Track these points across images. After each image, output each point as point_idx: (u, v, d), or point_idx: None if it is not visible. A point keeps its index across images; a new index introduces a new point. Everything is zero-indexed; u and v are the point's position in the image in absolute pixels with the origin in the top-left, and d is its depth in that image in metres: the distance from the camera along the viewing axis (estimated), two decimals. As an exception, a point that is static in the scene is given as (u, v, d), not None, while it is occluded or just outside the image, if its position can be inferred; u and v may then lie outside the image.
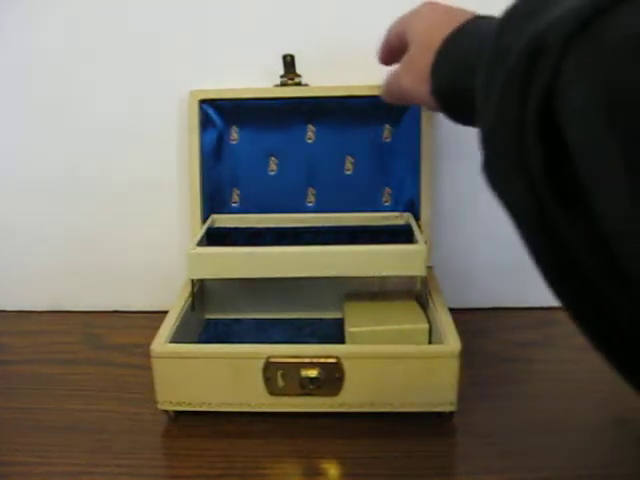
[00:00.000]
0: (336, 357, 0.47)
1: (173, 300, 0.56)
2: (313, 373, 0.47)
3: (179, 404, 0.49)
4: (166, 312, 0.54)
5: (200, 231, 0.58)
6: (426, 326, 0.53)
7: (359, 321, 0.54)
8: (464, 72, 0.37)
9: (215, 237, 0.59)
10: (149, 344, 0.48)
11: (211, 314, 0.64)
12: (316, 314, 0.63)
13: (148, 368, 0.48)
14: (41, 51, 0.62)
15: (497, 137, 0.28)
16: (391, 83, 0.48)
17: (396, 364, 0.47)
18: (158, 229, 0.67)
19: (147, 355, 0.48)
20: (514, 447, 0.46)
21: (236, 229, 0.61)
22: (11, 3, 0.61)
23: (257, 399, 0.48)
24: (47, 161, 0.65)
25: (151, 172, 0.65)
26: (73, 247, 0.68)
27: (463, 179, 0.64)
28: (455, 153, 0.64)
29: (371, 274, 0.53)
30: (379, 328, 0.53)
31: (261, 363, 0.47)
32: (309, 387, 0.47)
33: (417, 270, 0.52)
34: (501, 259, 0.66)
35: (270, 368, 0.47)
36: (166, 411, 0.49)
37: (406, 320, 0.54)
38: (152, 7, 0.61)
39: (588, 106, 0.23)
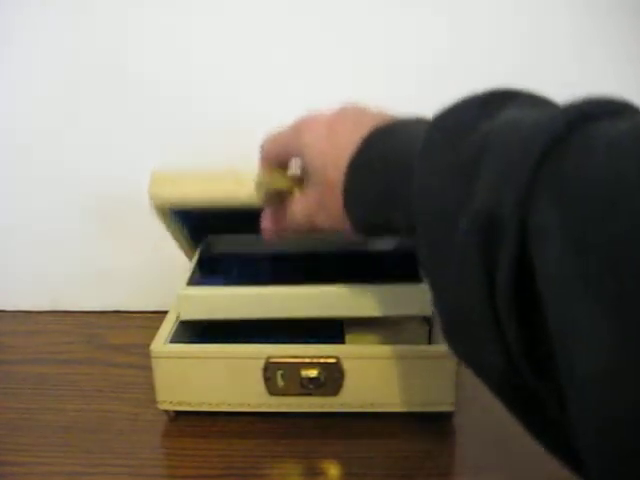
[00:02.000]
0: (336, 357, 0.47)
1: (173, 300, 0.56)
2: (313, 373, 0.47)
3: (179, 404, 0.49)
4: (166, 312, 0.54)
5: (193, 259, 0.57)
6: (426, 326, 0.53)
7: (359, 321, 0.54)
8: (379, 210, 0.34)
9: (208, 264, 0.57)
10: (149, 344, 0.48)
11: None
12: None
13: (148, 368, 0.48)
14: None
15: (462, 305, 0.25)
16: (301, 223, 0.42)
17: (396, 364, 0.47)
18: (157, 229, 0.67)
19: (147, 355, 0.48)
20: (514, 447, 0.46)
21: (229, 256, 0.58)
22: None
23: (257, 399, 0.48)
24: (47, 161, 0.65)
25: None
26: (73, 247, 0.68)
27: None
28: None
29: (377, 315, 0.49)
30: (379, 328, 0.53)
31: (261, 363, 0.47)
32: (309, 387, 0.47)
33: (427, 311, 0.50)
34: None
35: (270, 368, 0.47)
36: (166, 411, 0.49)
37: (406, 320, 0.54)
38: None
39: (561, 264, 0.20)
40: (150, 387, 0.49)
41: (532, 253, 0.21)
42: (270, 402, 0.48)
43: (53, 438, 0.48)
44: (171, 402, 0.49)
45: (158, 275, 0.67)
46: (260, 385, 0.47)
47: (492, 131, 0.25)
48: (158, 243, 0.67)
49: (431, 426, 0.48)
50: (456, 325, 0.26)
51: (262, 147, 0.44)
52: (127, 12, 0.60)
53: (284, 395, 0.48)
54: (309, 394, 0.48)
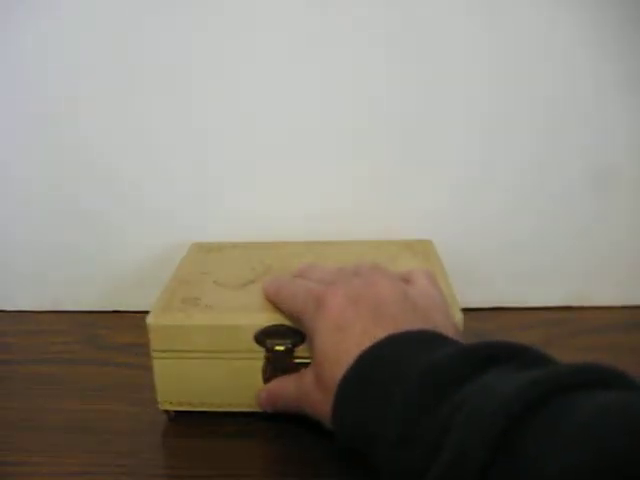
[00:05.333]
0: (336, 357, 0.47)
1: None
2: (313, 373, 0.47)
3: (179, 404, 0.49)
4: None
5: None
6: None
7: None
8: (359, 440, 0.34)
9: None
10: (149, 344, 0.48)
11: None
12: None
13: (148, 368, 0.48)
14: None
15: None
16: (289, 403, 0.44)
17: (396, 364, 0.47)
18: (158, 228, 0.67)
19: (147, 355, 0.48)
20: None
21: None
22: None
23: (257, 399, 0.48)
24: (48, 162, 0.65)
25: (152, 174, 0.65)
26: (73, 247, 0.68)
27: (462, 177, 0.64)
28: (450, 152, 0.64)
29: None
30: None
31: (261, 363, 0.47)
32: (309, 387, 0.47)
33: None
34: (501, 259, 0.66)
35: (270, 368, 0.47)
36: (166, 411, 0.49)
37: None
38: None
39: None
40: (150, 387, 0.49)
41: None
42: (270, 402, 0.48)
43: (53, 438, 0.48)
44: (171, 402, 0.49)
45: (158, 275, 0.67)
46: (260, 385, 0.47)
47: (458, 409, 0.27)
48: (158, 242, 0.67)
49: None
50: None
51: (279, 286, 0.46)
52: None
53: (284, 395, 0.48)
54: (309, 394, 0.48)
